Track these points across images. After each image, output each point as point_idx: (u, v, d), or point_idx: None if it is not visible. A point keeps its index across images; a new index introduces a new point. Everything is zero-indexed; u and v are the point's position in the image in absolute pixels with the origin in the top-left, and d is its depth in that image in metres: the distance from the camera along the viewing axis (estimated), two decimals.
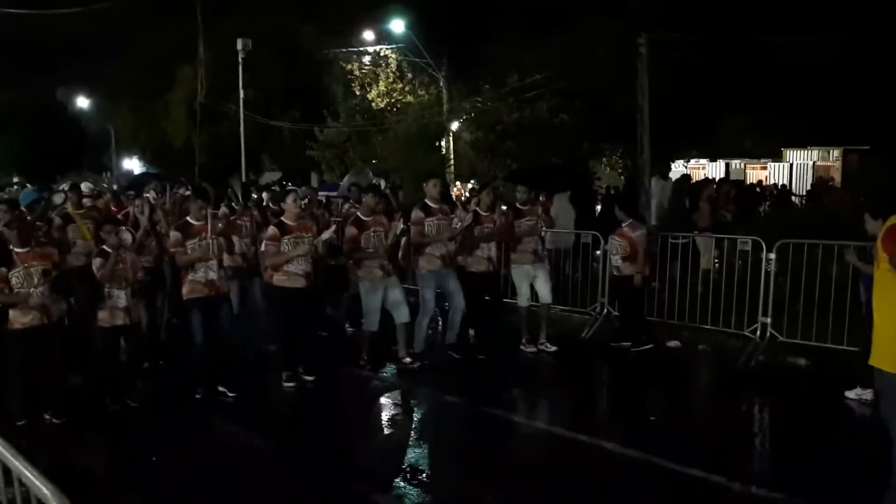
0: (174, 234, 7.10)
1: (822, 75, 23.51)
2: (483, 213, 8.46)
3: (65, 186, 11.56)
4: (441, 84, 25.93)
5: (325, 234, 7.78)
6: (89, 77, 34.14)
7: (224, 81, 26.92)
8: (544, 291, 8.86)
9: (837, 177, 23.87)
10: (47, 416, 6.48)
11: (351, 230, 7.83)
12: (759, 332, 8.23)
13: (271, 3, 29.26)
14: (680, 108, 20.27)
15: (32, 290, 6.35)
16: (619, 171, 26.17)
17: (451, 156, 26.14)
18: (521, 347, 8.85)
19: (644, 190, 12.86)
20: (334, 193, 14.94)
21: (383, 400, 7.61)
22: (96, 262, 6.71)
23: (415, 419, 7.17)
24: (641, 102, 12.81)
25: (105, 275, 6.64)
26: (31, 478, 2.17)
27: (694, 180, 15.84)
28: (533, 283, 8.83)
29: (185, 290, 7.12)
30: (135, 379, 7.29)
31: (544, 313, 8.97)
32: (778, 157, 26.24)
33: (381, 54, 27.24)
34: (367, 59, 27.74)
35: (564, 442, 6.21)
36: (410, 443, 6.41)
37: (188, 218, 7.21)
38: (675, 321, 9.18)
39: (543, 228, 9.00)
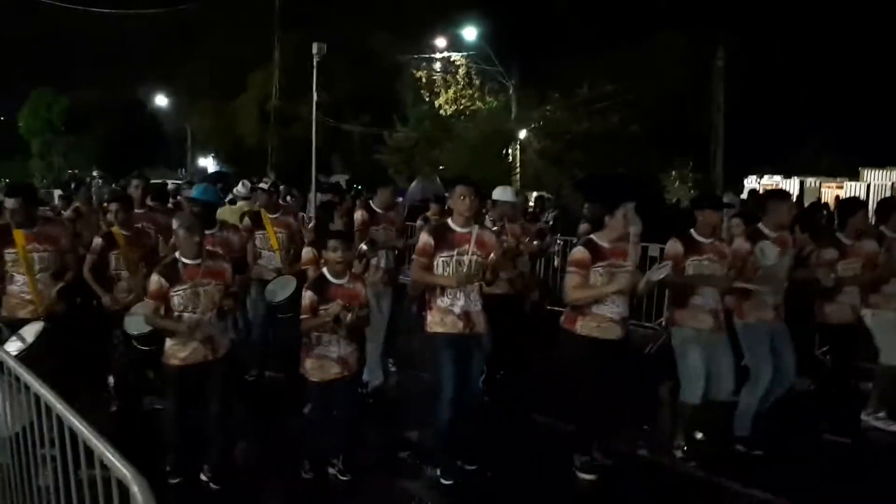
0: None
1: None
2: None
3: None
4: (510, 92, 25.95)
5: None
6: (168, 77, 35.20)
7: (296, 85, 27.43)
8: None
9: None
10: None
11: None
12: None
13: (345, 8, 29.71)
14: (755, 124, 19.87)
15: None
16: (689, 185, 25.74)
17: (518, 164, 26.12)
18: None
19: None
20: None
21: None
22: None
23: None
24: (716, 118, 12.62)
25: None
26: (113, 460, 2.25)
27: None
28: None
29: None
30: None
31: None
32: (855, 177, 25.38)
33: (451, 61, 27.40)
34: (437, 65, 27.94)
35: None
36: None
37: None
38: None
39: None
